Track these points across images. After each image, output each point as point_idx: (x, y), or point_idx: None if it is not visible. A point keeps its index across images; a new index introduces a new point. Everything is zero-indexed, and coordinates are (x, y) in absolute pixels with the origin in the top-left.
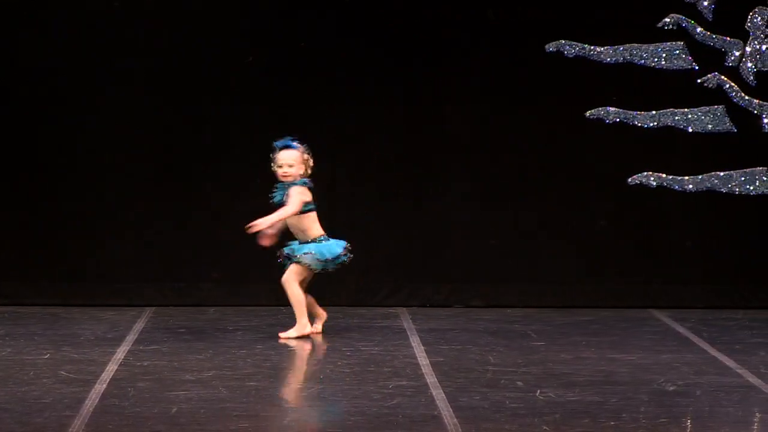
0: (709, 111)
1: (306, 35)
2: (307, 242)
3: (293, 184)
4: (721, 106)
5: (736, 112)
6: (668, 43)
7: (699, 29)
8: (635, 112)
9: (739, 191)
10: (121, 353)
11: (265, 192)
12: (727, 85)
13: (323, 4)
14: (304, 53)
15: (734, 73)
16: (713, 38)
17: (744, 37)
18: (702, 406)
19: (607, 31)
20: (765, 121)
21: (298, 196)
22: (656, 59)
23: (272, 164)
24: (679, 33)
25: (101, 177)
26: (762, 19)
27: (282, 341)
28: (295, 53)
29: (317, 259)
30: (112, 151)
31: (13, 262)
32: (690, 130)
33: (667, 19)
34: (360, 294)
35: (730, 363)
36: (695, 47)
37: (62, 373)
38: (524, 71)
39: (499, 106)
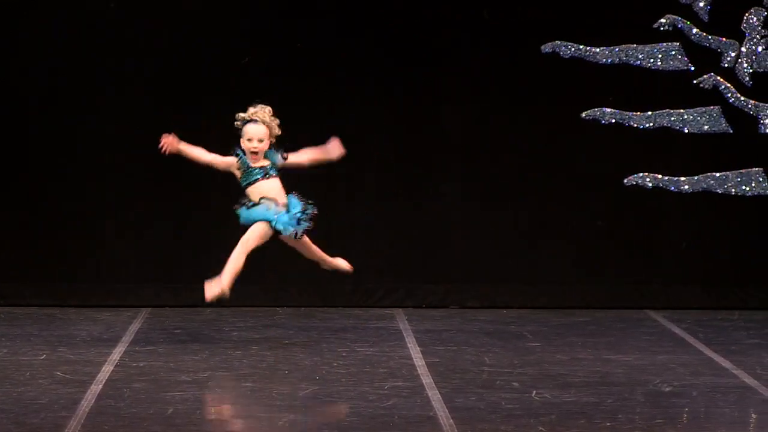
0: (705, 112)
1: (305, 35)
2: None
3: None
4: (717, 107)
5: (732, 112)
6: (664, 44)
7: (695, 30)
8: (631, 113)
9: (735, 192)
10: (117, 354)
11: None
12: (723, 86)
13: (322, 5)
14: (303, 53)
15: (730, 74)
16: (709, 39)
17: (740, 37)
18: (698, 407)
19: (604, 31)
20: (761, 121)
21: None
22: (652, 60)
23: (239, 129)
24: (675, 34)
25: (98, 178)
26: (758, 19)
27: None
28: (294, 53)
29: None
30: (109, 152)
31: (10, 263)
32: (686, 131)
33: (663, 20)
34: (356, 295)
35: (726, 364)
36: (691, 48)
37: (58, 373)
38: (521, 72)
39: (496, 106)
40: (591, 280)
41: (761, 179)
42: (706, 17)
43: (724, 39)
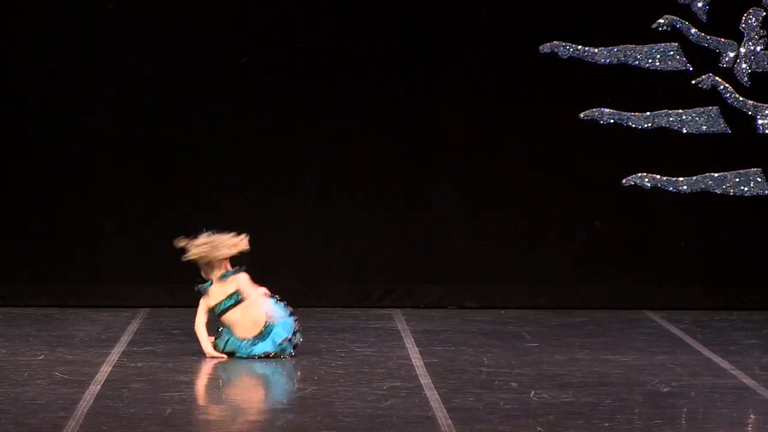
0: (703, 112)
1: (304, 36)
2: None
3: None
4: (715, 107)
5: (730, 113)
6: (662, 44)
7: (693, 30)
8: (629, 113)
9: (733, 192)
10: (115, 354)
11: (263, 193)
12: (722, 86)
13: (322, 5)
14: (302, 54)
15: (728, 74)
16: (707, 39)
17: (738, 38)
18: (696, 408)
19: (602, 32)
20: (759, 122)
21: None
22: (651, 60)
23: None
24: (673, 34)
25: (96, 178)
26: (756, 20)
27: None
28: (294, 54)
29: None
30: (108, 153)
31: (8, 264)
32: (684, 131)
33: (662, 21)
34: (354, 295)
35: (724, 364)
36: (689, 48)
37: (57, 374)
38: (519, 72)
39: (495, 107)
40: (589, 280)
41: (759, 179)
42: (704, 18)
43: (722, 39)
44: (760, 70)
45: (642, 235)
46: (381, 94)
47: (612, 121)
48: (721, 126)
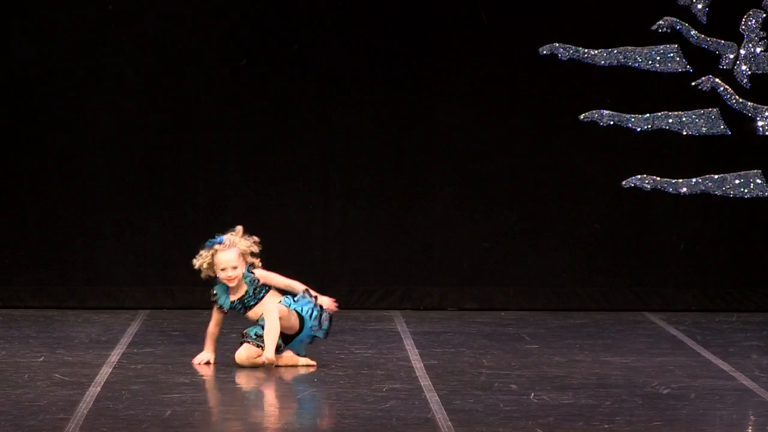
0: (703, 114)
1: (304, 37)
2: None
3: (245, 275)
4: (715, 109)
5: (730, 114)
6: (662, 46)
7: (693, 32)
8: (629, 115)
9: (733, 194)
10: (115, 356)
11: (260, 195)
12: (722, 88)
13: (321, 6)
14: (301, 55)
15: (728, 76)
16: (707, 41)
17: (738, 39)
18: (696, 410)
19: (602, 33)
20: (759, 123)
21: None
22: (650, 62)
23: (204, 266)
24: (673, 36)
25: (96, 180)
26: (756, 21)
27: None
28: (293, 55)
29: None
30: (106, 154)
31: (7, 265)
32: (684, 133)
33: (662, 22)
34: (353, 297)
35: (724, 366)
36: (689, 50)
37: (56, 375)
38: (518, 74)
39: (494, 108)
40: (589, 282)
41: (759, 181)
42: (704, 19)
43: (722, 41)
44: (760, 71)
45: (642, 237)
46: (380, 96)
47: (612, 122)
48: (721, 128)
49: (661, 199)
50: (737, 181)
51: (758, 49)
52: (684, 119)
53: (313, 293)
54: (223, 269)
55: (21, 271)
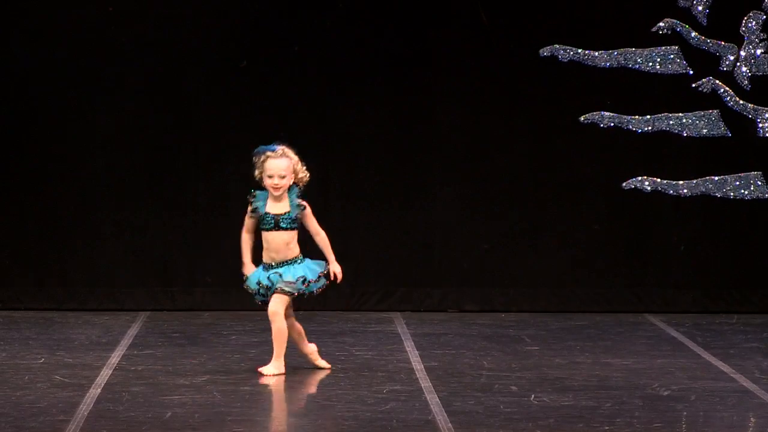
0: (703, 115)
1: (304, 38)
2: (288, 262)
3: (291, 195)
4: (715, 111)
5: (730, 116)
6: (663, 48)
7: (693, 34)
8: (630, 117)
9: (733, 196)
10: (115, 358)
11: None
12: (722, 90)
13: (318, 8)
14: (301, 56)
15: (729, 78)
16: (708, 43)
17: (738, 41)
18: (696, 411)
19: (602, 35)
20: (759, 125)
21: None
22: (651, 64)
23: (257, 171)
24: (673, 37)
25: (96, 181)
26: (756, 23)
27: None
28: (293, 56)
29: (310, 280)
30: (107, 156)
31: (7, 267)
32: (684, 135)
33: (662, 24)
34: (354, 298)
35: (724, 368)
36: (690, 52)
37: (57, 377)
38: (518, 76)
39: (494, 110)
40: (589, 283)
41: (760, 183)
42: (704, 21)
43: (722, 43)
44: (761, 73)
45: (642, 238)
46: (380, 97)
47: (612, 124)
48: (722, 129)
49: (661, 201)
50: (737, 183)
51: (758, 51)
52: (684, 121)
53: (329, 269)
54: (270, 176)
55: (21, 272)
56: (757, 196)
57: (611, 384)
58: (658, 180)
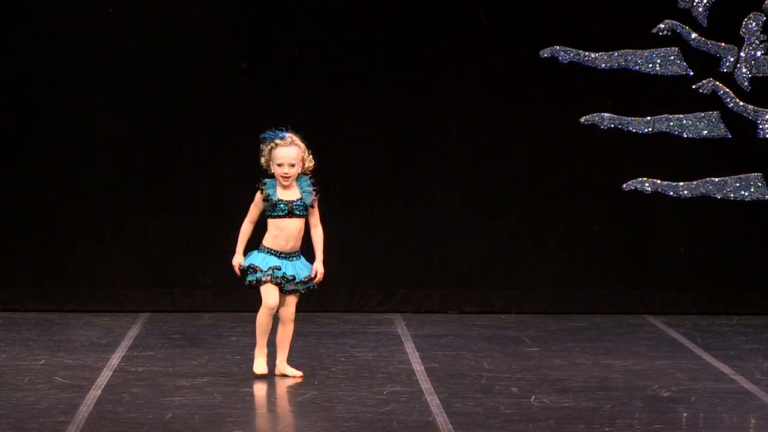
0: (703, 117)
1: (304, 39)
2: (296, 255)
3: (302, 183)
4: (715, 112)
5: (730, 117)
6: (663, 49)
7: (694, 35)
8: (630, 118)
9: (733, 197)
10: (115, 359)
11: None
12: (722, 91)
13: (318, 8)
14: (301, 57)
15: (729, 79)
16: (708, 44)
17: (738, 42)
18: (697, 412)
19: (602, 36)
20: (760, 126)
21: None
22: (651, 65)
23: (264, 158)
24: (673, 39)
25: (96, 182)
26: (756, 24)
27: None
28: (293, 57)
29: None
30: (107, 157)
31: (8, 268)
32: (685, 136)
33: (662, 25)
34: (354, 299)
35: (725, 369)
36: (690, 53)
37: (57, 378)
38: (519, 77)
39: (494, 111)
40: (589, 285)
41: (760, 184)
42: (704, 22)
43: (722, 44)
44: (761, 74)
45: (642, 240)
46: (380, 98)
47: (612, 125)
48: (722, 131)
49: (661, 202)
50: (738, 184)
51: (758, 53)
52: (685, 122)
53: (314, 266)
54: (280, 164)
55: (21, 274)
56: (758, 197)
57: (611, 385)
58: (659, 181)
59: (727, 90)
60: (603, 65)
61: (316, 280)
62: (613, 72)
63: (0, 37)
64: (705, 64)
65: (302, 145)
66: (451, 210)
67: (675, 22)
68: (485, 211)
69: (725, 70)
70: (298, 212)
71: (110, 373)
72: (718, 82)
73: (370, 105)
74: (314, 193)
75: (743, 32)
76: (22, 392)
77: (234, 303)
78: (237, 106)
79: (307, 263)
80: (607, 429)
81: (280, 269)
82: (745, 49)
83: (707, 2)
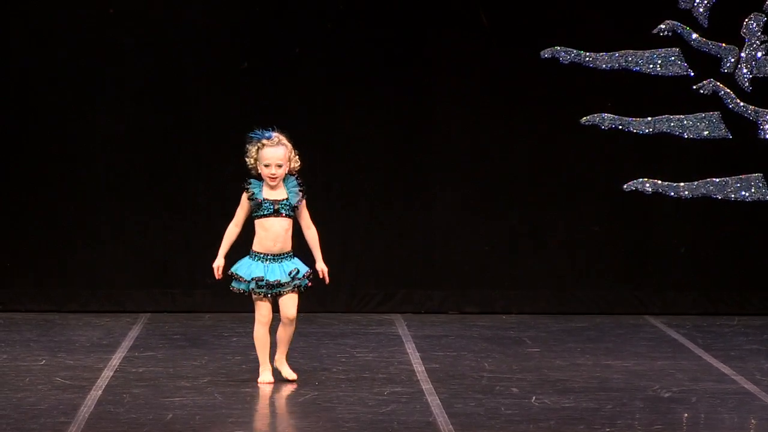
0: (704, 117)
1: (304, 40)
2: (285, 256)
3: (289, 183)
4: (716, 113)
5: (731, 118)
6: (664, 50)
7: (694, 35)
8: (631, 119)
9: (734, 198)
10: (116, 359)
11: None
12: (723, 92)
13: (318, 9)
14: (301, 58)
15: (730, 80)
16: (708, 44)
17: (739, 43)
18: (697, 413)
19: (603, 37)
20: (760, 127)
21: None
22: (652, 65)
23: (249, 158)
24: (674, 39)
25: (96, 183)
26: (757, 25)
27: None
28: (293, 58)
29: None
30: (107, 157)
31: (8, 269)
32: (685, 137)
33: (663, 26)
34: (354, 300)
35: (725, 369)
36: (691, 53)
37: (58, 379)
38: (519, 77)
39: (495, 111)
40: (590, 285)
41: (761, 185)
42: (705, 23)
43: (723, 44)
44: (761, 75)
45: (643, 240)
46: (381, 99)
47: (613, 126)
48: (723, 131)
49: (662, 203)
50: (738, 185)
51: (759, 53)
52: (685, 123)
53: (317, 268)
54: (267, 165)
55: (22, 274)
56: (758, 197)
57: (612, 386)
58: (659, 182)
59: (728, 90)
60: (604, 66)
61: (326, 280)
62: (614, 72)
63: (0, 37)
64: (706, 64)
65: (289, 145)
66: (451, 210)
67: (676, 22)
68: (485, 211)
69: (726, 71)
70: (284, 212)
71: (111, 374)
72: (718, 83)
73: (370, 105)
74: (301, 193)
75: (744, 33)
76: (23, 393)
77: (234, 303)
78: (237, 106)
79: (300, 263)
80: (607, 429)
81: (262, 280)
82: (745, 50)
83: (708, 3)
